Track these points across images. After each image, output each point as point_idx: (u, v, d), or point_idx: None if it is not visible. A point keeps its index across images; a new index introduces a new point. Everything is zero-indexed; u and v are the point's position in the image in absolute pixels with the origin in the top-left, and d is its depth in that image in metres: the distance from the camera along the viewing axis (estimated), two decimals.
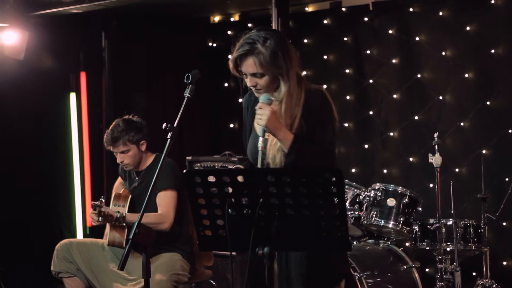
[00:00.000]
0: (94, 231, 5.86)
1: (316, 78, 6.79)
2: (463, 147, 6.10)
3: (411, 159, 6.32)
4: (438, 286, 5.06)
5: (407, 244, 5.68)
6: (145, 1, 6.40)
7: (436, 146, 5.09)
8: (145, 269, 3.16)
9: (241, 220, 2.77)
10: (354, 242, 5.48)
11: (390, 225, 5.20)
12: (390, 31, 6.46)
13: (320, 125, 3.13)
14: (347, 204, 5.25)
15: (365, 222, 5.25)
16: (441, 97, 6.22)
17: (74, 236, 6.71)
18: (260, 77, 3.12)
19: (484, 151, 5.95)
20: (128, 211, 4.56)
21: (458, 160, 6.09)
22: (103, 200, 4.33)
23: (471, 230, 5.13)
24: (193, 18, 7.37)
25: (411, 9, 6.36)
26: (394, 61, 6.45)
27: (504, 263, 5.90)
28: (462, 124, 6.11)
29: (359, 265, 4.93)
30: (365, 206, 5.25)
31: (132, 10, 6.71)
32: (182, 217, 4.59)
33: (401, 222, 5.19)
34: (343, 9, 6.73)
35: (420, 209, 5.28)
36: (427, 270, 6.01)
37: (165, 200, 4.50)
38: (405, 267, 5.28)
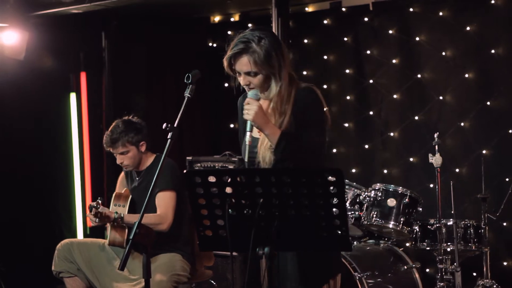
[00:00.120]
0: (94, 231, 5.86)
1: (316, 78, 6.79)
2: (464, 147, 6.10)
3: (411, 159, 6.32)
4: (438, 286, 5.06)
5: (407, 244, 5.68)
6: (145, 1, 6.40)
7: (436, 146, 5.09)
8: (145, 269, 3.16)
9: (241, 220, 2.77)
10: (355, 242, 5.48)
11: (391, 225, 5.20)
12: (390, 31, 6.46)
13: (309, 123, 3.16)
14: (347, 204, 5.25)
15: (366, 222, 5.25)
16: (441, 97, 6.22)
17: (75, 236, 6.71)
18: (254, 75, 3.16)
19: (484, 151, 5.95)
20: (129, 211, 4.56)
21: (458, 160, 6.09)
22: (100, 202, 4.33)
23: (472, 230, 5.13)
24: (193, 18, 7.37)
25: (411, 9, 6.36)
26: (394, 61, 6.45)
27: (505, 263, 5.89)
28: (462, 124, 6.11)
29: (360, 265, 4.93)
30: (365, 206, 5.25)
31: (132, 10, 6.71)
32: (181, 218, 4.59)
33: (402, 222, 5.19)
34: (343, 9, 6.73)
35: (421, 209, 5.28)
36: (427, 270, 6.01)
37: (164, 201, 4.49)
38: (405, 267, 5.28)
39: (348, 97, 6.69)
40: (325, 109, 3.23)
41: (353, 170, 6.59)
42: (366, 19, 6.58)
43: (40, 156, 6.60)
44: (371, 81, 6.56)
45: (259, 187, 2.71)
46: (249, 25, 6.90)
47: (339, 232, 2.73)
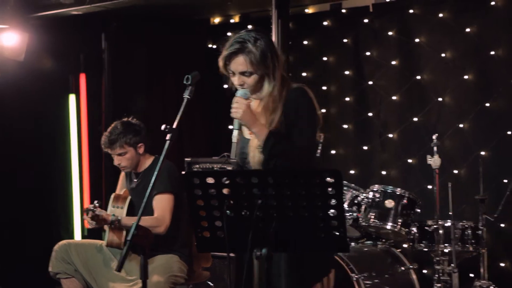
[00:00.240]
0: (92, 232, 5.87)
1: (315, 79, 6.80)
2: (462, 149, 6.11)
3: (409, 160, 6.33)
4: (435, 287, 5.07)
5: (405, 245, 5.69)
6: (145, 2, 6.40)
7: (435, 148, 5.10)
8: (143, 270, 3.16)
9: (239, 222, 2.78)
10: (352, 243, 5.48)
11: (388, 227, 5.21)
12: (390, 33, 6.47)
13: (299, 121, 3.17)
14: (345, 205, 5.26)
15: (364, 224, 5.26)
16: (440, 99, 6.22)
17: (72, 237, 6.71)
18: (249, 75, 3.19)
19: (482, 153, 5.95)
20: (127, 212, 4.57)
21: (456, 162, 6.09)
22: (97, 205, 4.33)
23: (469, 231, 5.14)
24: (193, 19, 7.37)
25: (411, 11, 6.37)
26: (393, 62, 6.46)
27: (502, 264, 5.90)
28: (461, 125, 6.11)
29: (357, 266, 4.93)
30: (363, 207, 5.26)
31: (132, 12, 6.70)
32: (179, 220, 4.59)
33: (399, 223, 5.20)
34: (343, 10, 6.74)
35: (419, 210, 5.29)
36: (424, 271, 6.01)
37: (161, 203, 4.50)
38: (403, 268, 5.29)
39: (347, 99, 6.69)
40: (317, 109, 3.23)
41: (352, 171, 6.60)
42: (366, 20, 6.59)
43: (39, 157, 6.60)
44: (370, 82, 6.57)
45: (257, 188, 2.72)
46: (249, 26, 6.91)
47: (337, 233, 2.74)
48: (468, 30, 6.08)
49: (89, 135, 6.88)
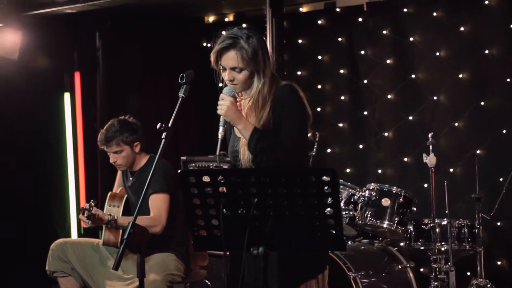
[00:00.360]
0: (88, 231, 5.85)
1: (310, 78, 6.80)
2: (458, 147, 6.11)
3: (405, 159, 6.33)
4: (432, 286, 5.07)
5: (401, 244, 5.69)
6: (139, 1, 6.39)
7: (431, 146, 5.09)
8: (139, 269, 3.15)
9: (235, 220, 2.77)
10: (349, 242, 5.48)
11: (385, 225, 5.21)
12: (384, 32, 6.47)
13: (286, 119, 3.16)
14: (341, 204, 5.26)
15: (360, 222, 5.26)
16: (435, 98, 6.23)
17: (69, 236, 6.70)
18: (239, 71, 3.20)
19: (478, 151, 5.96)
20: (123, 211, 4.56)
21: (452, 160, 6.10)
22: (93, 204, 4.32)
23: (466, 230, 5.13)
24: (187, 18, 7.36)
25: (405, 10, 6.37)
26: (388, 61, 6.46)
27: (499, 262, 5.91)
28: (456, 124, 6.12)
29: (354, 265, 4.93)
30: (359, 206, 5.25)
31: (126, 10, 6.70)
32: (176, 218, 4.58)
33: (396, 222, 5.19)
34: (337, 9, 6.73)
35: (415, 209, 5.29)
36: (421, 270, 6.02)
37: (157, 203, 4.49)
38: (399, 267, 5.29)
39: (342, 97, 6.69)
40: (306, 106, 3.22)
41: (348, 170, 6.59)
42: (360, 19, 6.58)
43: (34, 156, 6.59)
44: (365, 81, 6.57)
45: (253, 187, 2.71)
46: (244, 25, 6.90)
47: (333, 232, 2.73)
48: (462, 29, 6.09)
49: (84, 133, 6.87)
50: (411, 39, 6.33)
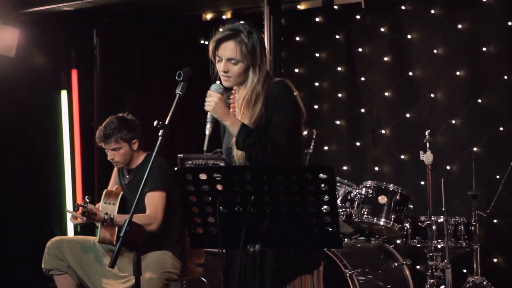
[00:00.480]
0: (85, 229, 5.85)
1: (308, 75, 6.80)
2: (454, 145, 6.12)
3: (402, 156, 6.34)
4: (429, 283, 5.08)
5: (398, 241, 5.69)
6: None
7: (428, 144, 5.10)
8: (135, 266, 3.15)
9: (232, 218, 2.77)
10: (345, 239, 5.49)
11: (381, 223, 5.21)
12: (382, 29, 6.47)
13: (277, 114, 3.16)
14: (338, 201, 5.26)
15: (357, 220, 5.26)
16: (432, 95, 6.23)
17: (65, 233, 6.69)
18: (235, 63, 3.20)
19: (475, 149, 5.96)
20: (119, 208, 4.56)
21: (449, 158, 6.10)
22: (88, 201, 4.31)
23: (462, 227, 5.14)
24: (185, 15, 7.35)
25: (403, 7, 6.37)
26: (386, 59, 6.46)
27: (495, 260, 5.91)
28: (453, 121, 6.12)
29: (350, 262, 4.93)
30: (356, 203, 5.26)
31: (123, 8, 6.69)
32: (172, 216, 4.58)
33: (392, 219, 5.20)
34: (335, 7, 6.73)
35: (411, 206, 5.29)
36: (418, 267, 6.03)
37: (153, 201, 4.49)
38: (396, 264, 5.30)
39: (339, 95, 6.69)
40: (299, 102, 3.22)
41: (345, 168, 6.60)
42: (358, 17, 6.59)
43: (31, 153, 6.57)
44: (362, 78, 6.57)
45: (250, 185, 2.72)
46: (241, 22, 6.89)
47: (330, 229, 2.74)
48: (460, 26, 6.09)
49: (81, 131, 6.86)
50: (409, 36, 6.33)
